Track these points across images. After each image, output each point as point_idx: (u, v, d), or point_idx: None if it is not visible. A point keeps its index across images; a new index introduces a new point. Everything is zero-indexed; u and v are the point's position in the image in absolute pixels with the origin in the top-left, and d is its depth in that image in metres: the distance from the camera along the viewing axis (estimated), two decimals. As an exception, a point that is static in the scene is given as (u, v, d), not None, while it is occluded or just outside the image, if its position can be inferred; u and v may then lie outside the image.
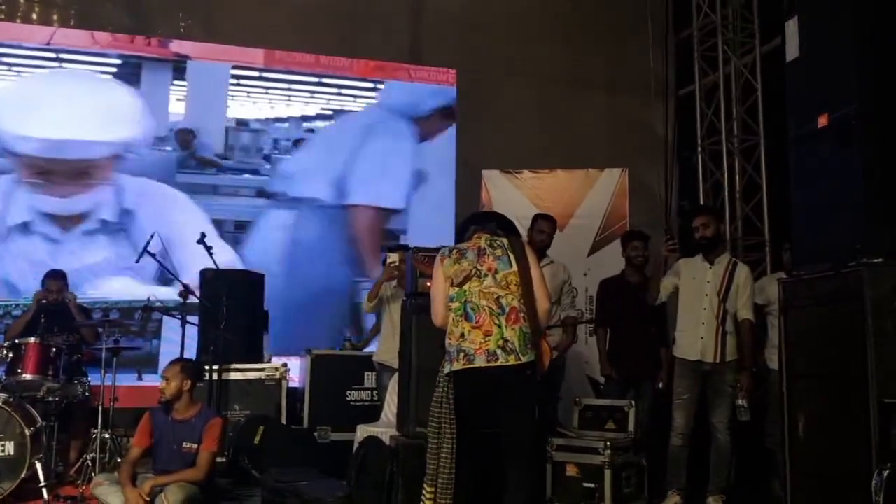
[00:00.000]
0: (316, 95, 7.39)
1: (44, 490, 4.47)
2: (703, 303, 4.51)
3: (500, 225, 3.77)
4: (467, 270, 3.50)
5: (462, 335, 3.43)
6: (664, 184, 7.74)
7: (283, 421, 5.56)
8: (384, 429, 4.64)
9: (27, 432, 4.50)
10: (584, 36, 7.90)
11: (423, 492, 3.48)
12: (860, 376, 2.97)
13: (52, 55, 6.78)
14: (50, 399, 4.85)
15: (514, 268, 3.49)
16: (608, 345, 5.16)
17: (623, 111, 7.81)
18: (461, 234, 3.83)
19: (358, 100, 7.51)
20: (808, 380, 3.34)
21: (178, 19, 7.22)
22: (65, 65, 6.81)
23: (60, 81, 6.81)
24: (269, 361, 5.86)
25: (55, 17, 7.05)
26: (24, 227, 6.48)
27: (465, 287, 3.48)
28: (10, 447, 4.45)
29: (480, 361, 3.36)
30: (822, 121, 3.39)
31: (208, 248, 5.39)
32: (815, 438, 3.26)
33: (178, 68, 7.02)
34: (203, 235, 5.48)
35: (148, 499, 3.94)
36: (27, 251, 6.43)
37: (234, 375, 5.50)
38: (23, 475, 4.44)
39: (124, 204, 6.67)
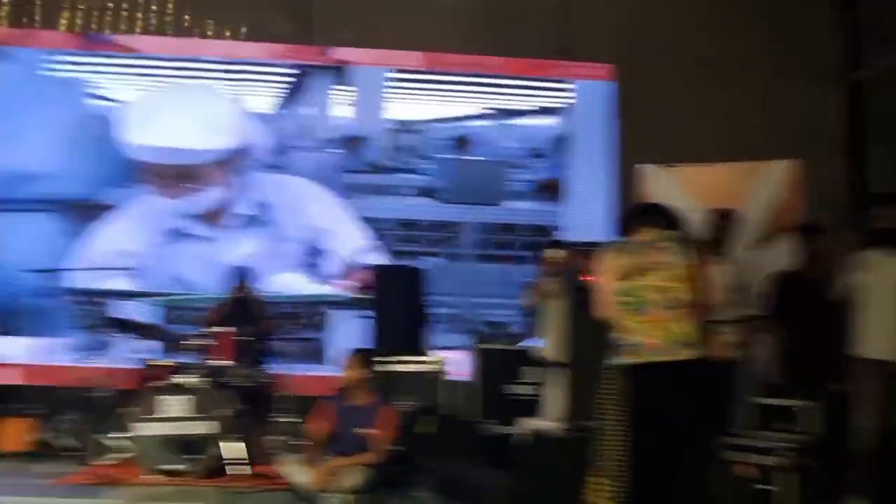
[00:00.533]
0: (473, 95, 7.56)
1: (238, 467, 4.86)
2: (893, 298, 4.26)
3: (665, 217, 3.74)
4: (636, 265, 3.51)
5: (631, 330, 3.45)
6: (834, 176, 7.37)
7: (446, 413, 5.74)
8: (547, 422, 4.71)
9: (224, 413, 4.91)
10: (744, 20, 7.61)
11: (591, 482, 3.51)
12: None
13: (228, 66, 7.33)
14: (241, 384, 5.28)
15: (684, 262, 3.48)
16: (782, 343, 4.98)
17: (790, 99, 7.46)
18: (626, 226, 3.82)
19: (514, 98, 7.61)
20: None
21: (340, 28, 7.60)
22: (240, 75, 7.34)
23: (185, 93, 7.46)
24: (430, 354, 6.06)
25: (228, 32, 7.62)
26: (180, 231, 7.10)
27: (635, 281, 3.49)
28: (209, 426, 4.88)
29: (651, 356, 3.38)
30: None
31: (373, 245, 5.65)
32: None
33: (341, 74, 7.39)
34: (372, 235, 5.76)
35: (331, 478, 4.23)
36: (188, 249, 7.07)
37: (400, 367, 5.73)
38: (219, 452, 4.85)
39: (262, 198, 7.17)
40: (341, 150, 7.34)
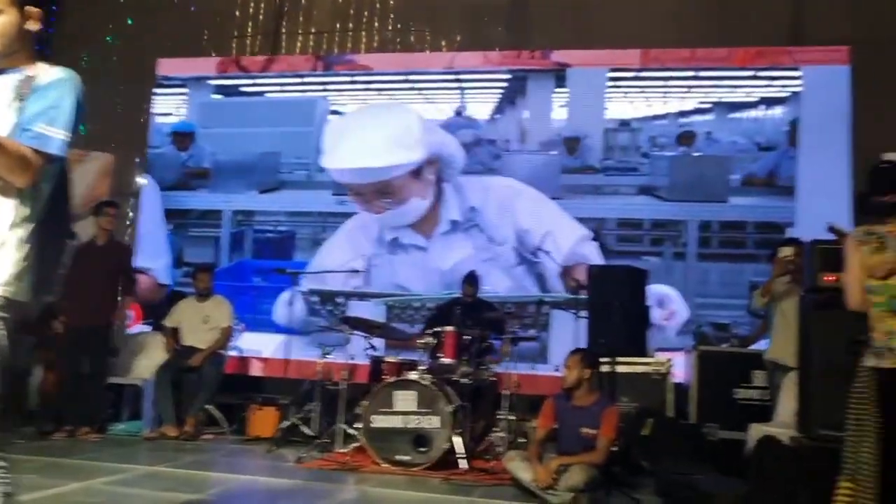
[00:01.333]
0: (695, 90, 7.33)
1: (462, 461, 5.07)
2: None
3: None
4: (892, 263, 3.23)
5: (890, 332, 3.20)
6: None
7: (671, 416, 5.62)
8: (781, 429, 4.46)
9: (448, 409, 5.14)
10: None
11: (840, 487, 3.28)
12: None
13: (453, 76, 7.67)
14: (464, 381, 5.51)
15: None
16: None
17: None
18: (869, 205, 3.46)
19: (737, 90, 7.29)
20: None
21: (557, 31, 7.67)
22: (464, 84, 7.65)
23: (373, 113, 7.92)
24: (652, 356, 5.97)
25: (444, 43, 7.95)
26: (394, 242, 7.48)
27: (891, 280, 3.22)
28: (435, 421, 5.13)
29: None
30: None
31: (600, 243, 5.66)
32: None
33: (560, 77, 7.46)
34: (595, 232, 5.78)
35: (555, 476, 4.30)
36: (405, 258, 7.45)
37: (621, 368, 5.66)
38: (445, 446, 5.09)
39: (471, 203, 7.37)
40: (560, 152, 7.39)
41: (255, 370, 7.53)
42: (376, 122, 7.74)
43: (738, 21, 7.32)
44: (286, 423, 5.97)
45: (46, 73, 2.30)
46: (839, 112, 6.93)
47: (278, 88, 8.20)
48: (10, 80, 2.28)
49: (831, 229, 4.29)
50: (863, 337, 3.37)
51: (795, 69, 7.15)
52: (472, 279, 6.34)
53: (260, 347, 7.55)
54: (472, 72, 7.69)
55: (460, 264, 7.04)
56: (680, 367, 6.15)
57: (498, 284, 7.10)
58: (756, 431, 4.69)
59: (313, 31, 8.37)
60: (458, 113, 7.62)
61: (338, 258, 7.51)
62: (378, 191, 7.47)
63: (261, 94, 8.24)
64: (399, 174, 7.42)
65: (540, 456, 4.51)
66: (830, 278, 3.98)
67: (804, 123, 7.05)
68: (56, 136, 2.22)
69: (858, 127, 6.85)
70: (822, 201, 6.73)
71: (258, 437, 6.23)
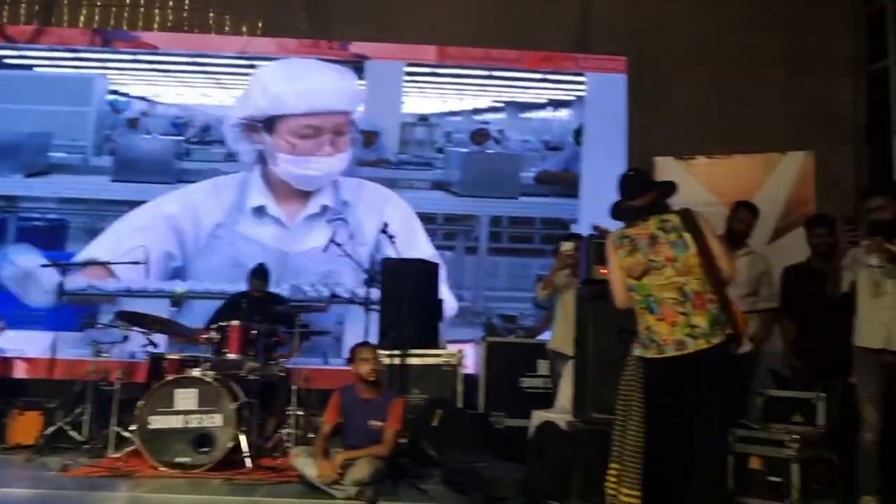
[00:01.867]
0: (488, 88, 7.54)
1: (247, 459, 4.88)
2: (886, 285, 4.18)
3: (661, 193, 3.61)
4: (643, 264, 3.45)
5: (648, 327, 3.43)
6: (854, 167, 7.28)
7: (460, 406, 5.73)
8: (559, 414, 4.68)
9: (233, 406, 4.93)
10: (758, 12, 7.52)
11: (612, 471, 3.49)
12: None
13: (247, 63, 7.37)
14: (251, 377, 5.30)
15: (693, 249, 3.39)
16: (794, 335, 4.93)
17: (806, 91, 7.37)
18: (620, 211, 3.68)
19: (527, 91, 7.58)
20: None
21: (356, 22, 7.60)
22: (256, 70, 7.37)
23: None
24: (444, 348, 6.05)
25: (244, 28, 7.65)
26: (260, 211, 7.11)
27: (644, 281, 3.45)
28: (218, 419, 4.89)
29: (671, 351, 3.36)
30: None
31: (391, 237, 5.66)
32: None
33: (358, 69, 7.40)
34: (385, 225, 5.76)
35: (340, 471, 4.23)
36: (257, 232, 7.07)
37: (412, 360, 5.71)
38: (229, 445, 4.87)
39: (343, 195, 7.18)
40: (359, 146, 7.32)
41: (20, 372, 6.83)
42: (327, 67, 7.37)
43: (529, 26, 7.62)
44: (51, 429, 5.46)
45: None
46: (617, 117, 7.39)
47: (50, 63, 7.47)
48: None
49: (596, 228, 4.55)
50: (630, 327, 3.59)
51: (580, 74, 7.55)
52: (260, 272, 6.10)
53: (24, 347, 6.85)
54: (266, 58, 7.41)
55: (312, 252, 6.79)
56: (471, 359, 6.28)
57: (349, 282, 6.86)
58: (537, 418, 4.88)
59: (99, 3, 7.71)
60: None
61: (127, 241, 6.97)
62: (336, 130, 7.09)
63: (29, 67, 7.46)
64: (348, 112, 7.20)
65: (326, 451, 4.44)
66: (604, 271, 4.19)
67: (587, 126, 7.47)
68: None
69: (633, 132, 7.35)
70: (602, 200, 7.09)
71: (19, 444, 5.63)
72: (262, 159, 7.17)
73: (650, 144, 7.13)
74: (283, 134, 7.07)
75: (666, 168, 6.79)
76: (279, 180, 7.11)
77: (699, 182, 6.75)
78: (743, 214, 5.11)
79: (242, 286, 6.15)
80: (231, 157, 7.23)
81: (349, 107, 7.26)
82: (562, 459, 4.21)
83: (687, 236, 3.42)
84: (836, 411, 4.51)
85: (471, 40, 7.53)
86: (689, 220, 3.46)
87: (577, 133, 7.48)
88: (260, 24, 7.61)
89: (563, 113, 7.57)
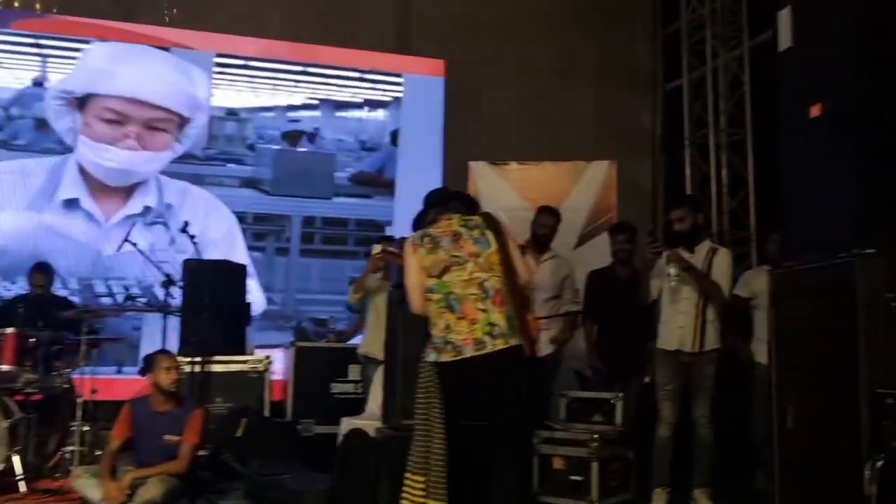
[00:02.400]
0: (304, 85, 7.30)
1: (20, 483, 4.39)
2: (683, 292, 4.46)
3: (463, 202, 3.67)
4: (445, 260, 3.39)
5: (447, 327, 3.35)
6: (652, 177, 7.76)
7: (267, 414, 5.50)
8: (369, 421, 4.57)
9: (4, 424, 4.41)
10: (572, 28, 7.85)
11: (409, 481, 3.37)
12: (851, 367, 2.95)
13: (32, 41, 6.67)
14: (29, 390, 4.77)
15: (494, 246, 3.40)
16: (596, 337, 5.12)
17: (611, 104, 7.78)
18: (422, 217, 3.72)
19: (344, 90, 7.43)
20: (798, 371, 3.31)
21: (162, 7, 7.12)
22: (49, 51, 6.69)
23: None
24: (251, 353, 5.80)
25: (38, 5, 6.94)
26: (71, 204, 6.48)
27: (446, 278, 3.38)
28: (-15, 439, 4.36)
29: (469, 352, 3.29)
30: (816, 111, 3.35)
31: (192, 237, 5.32)
32: (805, 430, 3.23)
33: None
34: (186, 224, 5.41)
35: (129, 492, 3.88)
36: (65, 225, 6.43)
37: (216, 367, 5.43)
38: (1, 468, 4.35)
39: (166, 198, 6.72)
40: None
41: None
42: (169, 61, 6.83)
43: (348, 23, 7.48)
44: None
45: None
46: (434, 120, 7.42)
47: None
48: None
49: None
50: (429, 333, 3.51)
51: (398, 76, 7.50)
52: (42, 269, 5.51)
53: None
54: (55, 38, 6.74)
55: (125, 255, 6.13)
56: (280, 364, 6.05)
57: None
58: (346, 425, 4.75)
59: None
60: (39, 83, 6.65)
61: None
62: (147, 124, 6.54)
63: None
64: (176, 112, 6.67)
65: (113, 470, 4.05)
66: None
67: (404, 128, 7.43)
68: None
69: (449, 135, 7.40)
70: (418, 202, 7.09)
71: None
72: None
73: (466, 148, 7.23)
74: (89, 114, 6.53)
75: (480, 172, 6.91)
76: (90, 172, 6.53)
77: (512, 187, 6.93)
78: (545, 219, 5.25)
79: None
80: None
81: (175, 106, 6.77)
82: (369, 468, 4.11)
83: (489, 234, 3.42)
84: (633, 410, 4.74)
85: (286, 34, 7.28)
86: (491, 219, 3.50)
87: (394, 135, 7.43)
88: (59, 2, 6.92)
89: (380, 114, 7.48)
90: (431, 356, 3.38)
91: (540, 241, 5.21)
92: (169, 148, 6.76)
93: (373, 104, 7.49)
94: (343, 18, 7.47)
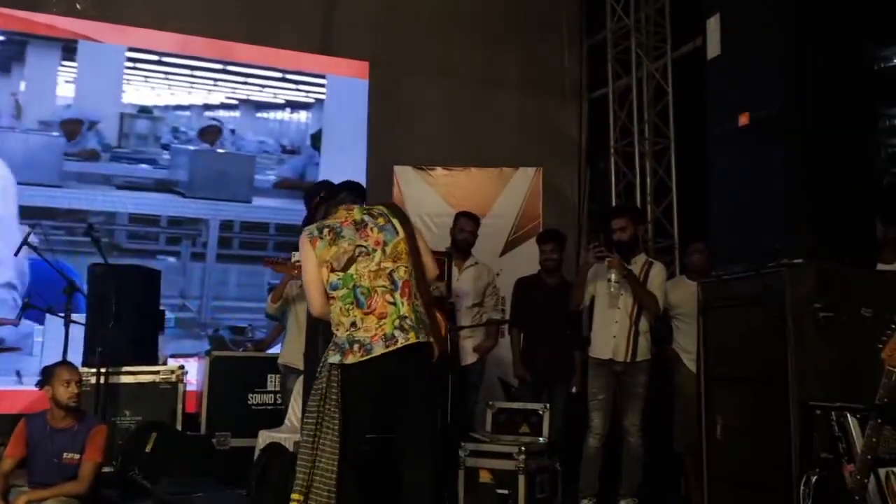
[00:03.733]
0: (223, 84, 7.02)
1: None
2: (617, 302, 4.45)
3: (353, 191, 3.39)
4: (350, 251, 3.07)
5: (354, 324, 3.02)
6: (577, 185, 7.77)
7: (180, 427, 5.23)
8: (288, 434, 4.39)
9: None
10: (497, 34, 7.79)
11: (293, 500, 2.99)
12: (780, 378, 2.93)
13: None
14: None
15: (402, 235, 3.12)
16: (522, 346, 5.05)
17: (536, 111, 7.76)
18: (315, 211, 3.42)
19: (265, 90, 7.18)
20: (727, 382, 3.30)
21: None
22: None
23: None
24: (164, 363, 5.51)
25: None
26: None
27: (351, 270, 3.06)
28: None
29: (379, 349, 2.96)
30: (743, 119, 3.35)
31: (97, 241, 5.01)
32: (734, 441, 3.22)
33: (69, 49, 6.53)
34: (90, 226, 5.11)
35: (20, 516, 3.59)
36: None
37: (124, 379, 5.13)
38: None
39: None
40: (63, 134, 6.44)
41: None
42: None
43: (270, 22, 7.23)
44: None
45: None
46: (358, 123, 7.24)
47: None
48: None
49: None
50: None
51: (321, 77, 7.31)
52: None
53: None
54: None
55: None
56: (195, 374, 5.77)
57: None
58: (263, 438, 4.57)
59: None
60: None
61: None
62: None
63: None
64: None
65: (6, 492, 3.74)
66: (334, 278, 3.98)
67: (327, 130, 7.23)
68: None
69: (373, 139, 7.24)
70: (340, 206, 6.93)
71: None
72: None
73: (390, 152, 7.09)
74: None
75: (405, 177, 6.80)
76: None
77: (437, 193, 6.84)
78: (464, 223, 5.16)
79: None
80: None
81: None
82: (287, 482, 3.90)
83: (395, 222, 3.16)
84: (560, 420, 4.68)
85: (205, 30, 6.98)
86: (396, 208, 3.28)
87: (316, 137, 7.22)
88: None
89: (302, 115, 7.26)
90: (333, 358, 3.03)
91: (461, 247, 5.12)
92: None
93: (294, 106, 7.27)
94: (265, 17, 7.21)
